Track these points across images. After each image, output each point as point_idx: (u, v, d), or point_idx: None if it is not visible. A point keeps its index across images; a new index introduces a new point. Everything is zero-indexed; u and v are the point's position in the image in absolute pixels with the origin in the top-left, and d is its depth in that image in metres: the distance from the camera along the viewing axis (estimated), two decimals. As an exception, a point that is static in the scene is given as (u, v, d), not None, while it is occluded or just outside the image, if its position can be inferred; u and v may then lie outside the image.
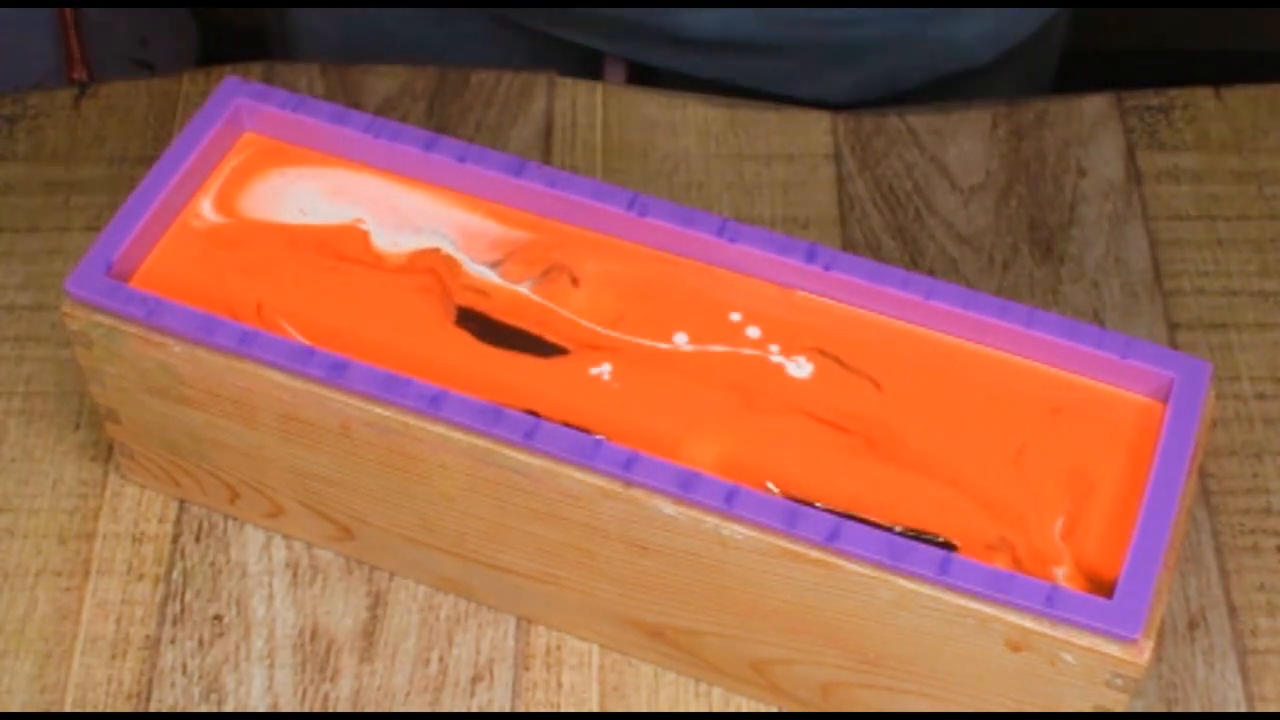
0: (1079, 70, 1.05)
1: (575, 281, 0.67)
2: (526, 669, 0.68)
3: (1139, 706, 0.68)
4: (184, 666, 0.68)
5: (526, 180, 0.67)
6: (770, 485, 0.62)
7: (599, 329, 0.65)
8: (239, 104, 0.69)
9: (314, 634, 0.69)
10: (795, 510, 0.60)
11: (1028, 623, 0.58)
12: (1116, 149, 0.84)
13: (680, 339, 0.65)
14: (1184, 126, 0.85)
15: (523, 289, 0.66)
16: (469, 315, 0.66)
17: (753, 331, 0.66)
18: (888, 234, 0.81)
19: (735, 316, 0.66)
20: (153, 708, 0.67)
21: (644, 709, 0.67)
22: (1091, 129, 0.85)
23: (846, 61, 0.89)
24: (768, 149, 0.84)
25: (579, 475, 0.61)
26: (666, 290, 0.67)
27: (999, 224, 0.81)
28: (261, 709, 0.67)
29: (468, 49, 0.92)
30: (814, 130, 0.85)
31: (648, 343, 0.65)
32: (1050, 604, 0.58)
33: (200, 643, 0.69)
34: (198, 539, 0.71)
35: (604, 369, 0.64)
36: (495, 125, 0.85)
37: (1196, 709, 0.68)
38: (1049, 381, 0.64)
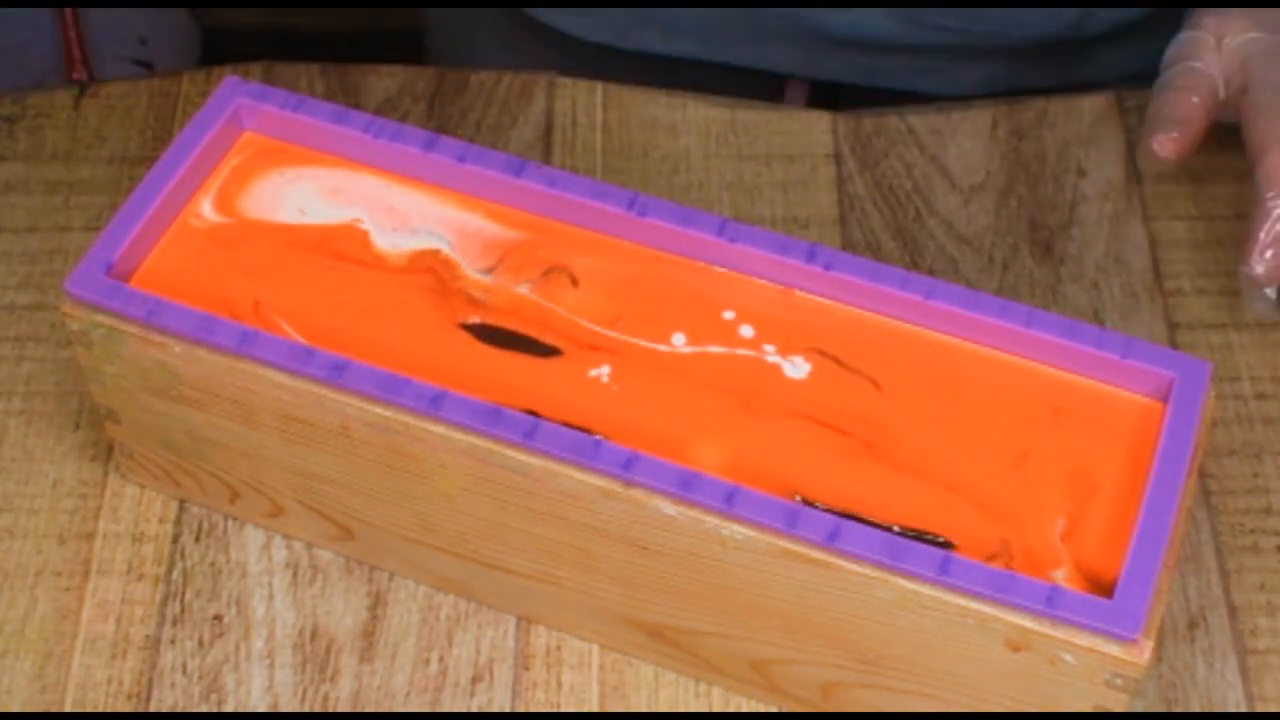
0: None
1: (575, 282, 0.67)
2: (526, 669, 0.68)
3: (1139, 706, 0.68)
4: (184, 666, 0.68)
5: (526, 180, 0.67)
6: (770, 486, 0.62)
7: (598, 329, 0.65)
8: (239, 104, 0.69)
9: (314, 634, 0.69)
10: (795, 510, 0.60)
11: (1028, 623, 0.58)
12: (1116, 149, 0.84)
13: (680, 339, 0.65)
14: (1184, 126, 0.84)
15: (522, 289, 0.66)
16: (468, 316, 0.66)
17: (752, 332, 0.66)
18: (888, 234, 0.81)
19: (735, 316, 0.66)
20: (153, 708, 0.67)
21: (644, 709, 0.67)
22: (1091, 129, 0.85)
23: (976, 58, 0.89)
24: (768, 149, 0.84)
25: (579, 475, 0.61)
26: (666, 290, 0.67)
27: (999, 224, 0.81)
28: (261, 709, 0.67)
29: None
30: (814, 130, 0.85)
31: (647, 344, 0.65)
32: (1050, 604, 0.58)
33: (200, 643, 0.69)
34: (198, 539, 0.71)
35: (603, 370, 0.64)
36: (495, 125, 0.85)
37: (1196, 709, 0.68)
38: (1049, 382, 0.64)
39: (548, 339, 0.65)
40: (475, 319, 0.66)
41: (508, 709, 0.67)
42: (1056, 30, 0.86)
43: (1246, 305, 0.74)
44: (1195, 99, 0.75)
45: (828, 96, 0.94)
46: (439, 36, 1.03)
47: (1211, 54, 0.76)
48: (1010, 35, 0.87)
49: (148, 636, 0.69)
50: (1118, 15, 0.86)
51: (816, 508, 0.61)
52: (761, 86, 0.92)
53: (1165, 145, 0.74)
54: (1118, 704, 0.60)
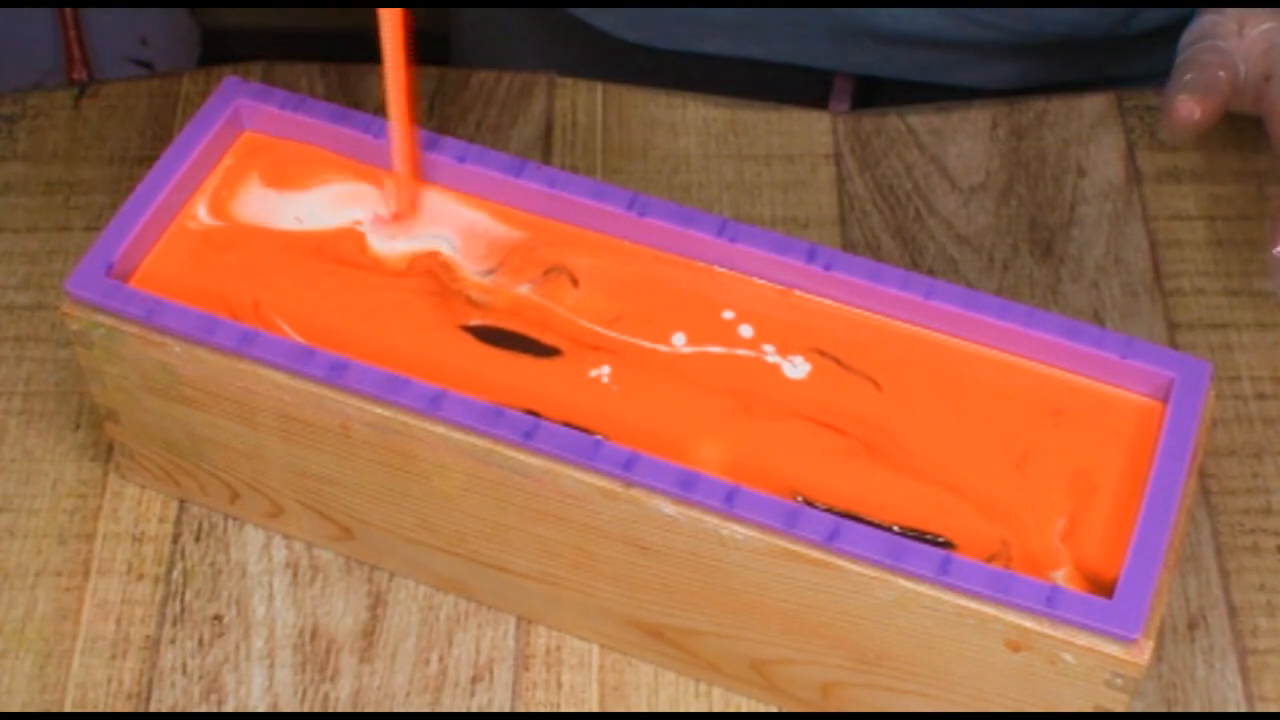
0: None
1: (575, 282, 0.67)
2: (526, 669, 0.68)
3: (1139, 706, 0.68)
4: (184, 666, 0.68)
5: (526, 180, 0.67)
6: (770, 486, 0.62)
7: (599, 330, 0.65)
8: (239, 104, 0.69)
9: (314, 634, 0.69)
10: (795, 510, 0.60)
11: (1028, 623, 0.58)
12: (1116, 149, 0.84)
13: (680, 340, 0.65)
14: (1184, 126, 0.85)
15: (522, 290, 0.66)
16: (469, 317, 0.66)
17: (752, 332, 0.66)
18: (888, 234, 0.81)
19: (735, 316, 0.66)
20: (153, 708, 0.67)
21: (644, 709, 0.67)
22: (1091, 129, 0.85)
23: (1020, 54, 0.89)
24: (768, 149, 0.84)
25: (579, 475, 0.61)
26: (666, 290, 0.67)
27: (999, 224, 0.81)
28: (261, 709, 0.67)
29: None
30: (814, 130, 0.85)
31: (648, 344, 0.65)
32: (1050, 604, 0.58)
33: (200, 643, 0.69)
34: (198, 539, 0.71)
35: (603, 370, 0.64)
36: (495, 125, 0.85)
37: (1196, 709, 0.68)
38: (1049, 382, 0.64)
39: (548, 340, 0.65)
40: (475, 320, 0.66)
41: (508, 709, 0.67)
42: (1104, 28, 0.86)
43: (1273, 290, 0.74)
44: (1222, 73, 0.75)
45: (868, 90, 0.94)
46: (466, 36, 1.03)
47: (1235, 38, 0.76)
48: (1057, 33, 0.87)
49: (148, 636, 0.69)
50: (1165, 13, 0.86)
51: (816, 508, 0.61)
52: (804, 83, 0.92)
53: (1191, 107, 0.74)
54: (1118, 704, 0.60)
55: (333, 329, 0.65)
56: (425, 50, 1.11)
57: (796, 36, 0.89)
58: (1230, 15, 0.77)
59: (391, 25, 0.65)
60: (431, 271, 0.67)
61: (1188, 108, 0.74)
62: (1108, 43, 0.89)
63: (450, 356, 0.65)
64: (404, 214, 0.68)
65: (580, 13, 0.91)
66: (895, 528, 0.61)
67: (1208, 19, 0.77)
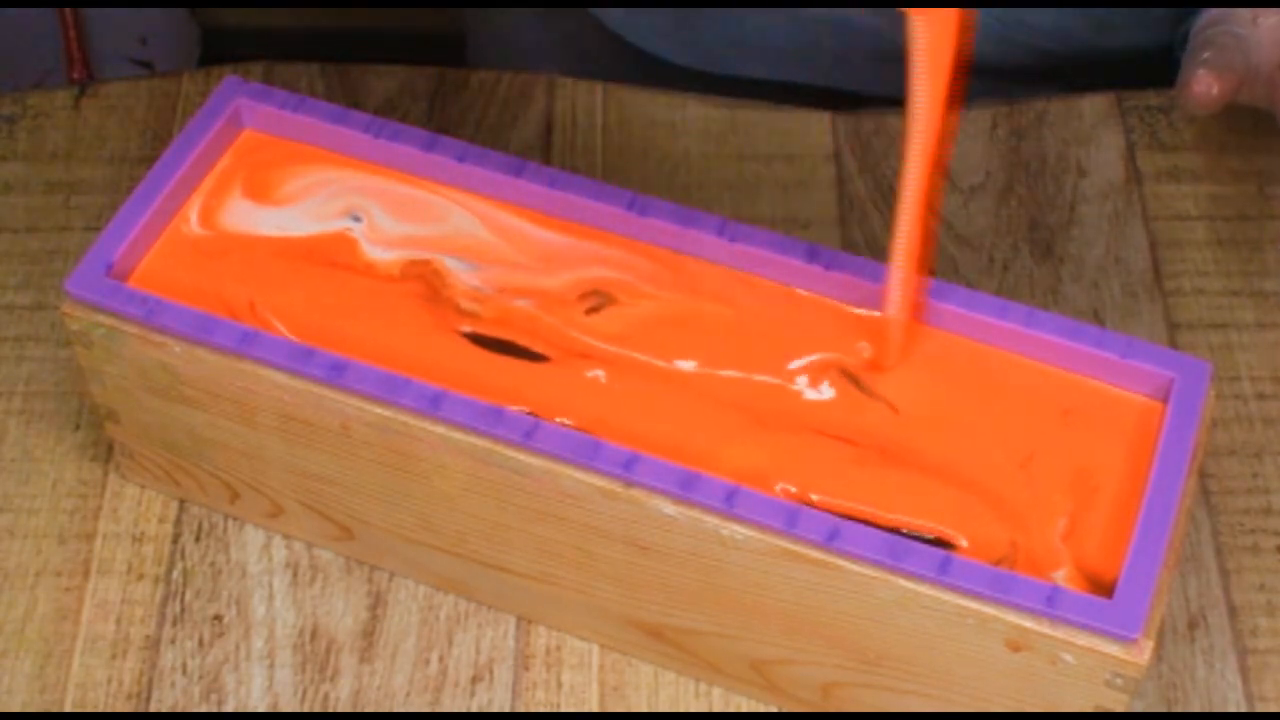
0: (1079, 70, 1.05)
1: (597, 309, 0.67)
2: (526, 669, 0.68)
3: (1139, 706, 0.68)
4: (184, 666, 0.68)
5: (526, 180, 0.67)
6: (771, 486, 0.62)
7: (588, 340, 0.65)
8: (239, 104, 0.69)
9: (314, 634, 0.69)
10: (795, 510, 0.60)
11: (1028, 623, 0.58)
12: (1116, 149, 0.84)
13: (680, 339, 0.65)
14: (1184, 126, 0.85)
15: (520, 303, 0.66)
16: (464, 320, 0.66)
17: (753, 331, 0.66)
18: (887, 234, 0.81)
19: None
20: (153, 708, 0.67)
21: (644, 709, 0.67)
22: (1091, 129, 0.85)
23: (1060, 75, 0.90)
24: (768, 149, 0.84)
25: (579, 475, 0.61)
26: (666, 290, 0.67)
27: (999, 224, 0.81)
28: (261, 709, 0.67)
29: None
30: (814, 130, 0.85)
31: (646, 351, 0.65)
32: (1050, 604, 0.58)
33: (200, 643, 0.69)
34: (198, 539, 0.71)
35: (601, 373, 0.64)
36: (495, 125, 0.85)
37: (1196, 709, 0.68)
38: (1050, 382, 0.64)
39: (540, 347, 0.65)
40: (471, 323, 0.66)
41: (508, 709, 0.67)
42: (1152, 45, 0.86)
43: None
44: (1239, 57, 0.75)
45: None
46: (484, 43, 1.02)
47: (1249, 27, 0.76)
48: (1101, 53, 0.87)
49: (148, 636, 0.69)
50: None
51: (817, 507, 0.61)
52: (825, 100, 0.92)
53: (1209, 82, 0.74)
54: (1118, 704, 0.60)
55: (328, 331, 0.65)
56: (433, 50, 1.12)
57: (841, 62, 0.89)
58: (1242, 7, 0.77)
59: (931, 93, 0.52)
60: (424, 277, 0.67)
61: (1206, 82, 0.74)
62: (1130, 63, 0.89)
63: (448, 360, 0.65)
64: (889, 364, 0.64)
65: (621, 29, 0.91)
66: (899, 529, 0.61)
67: (1219, 9, 0.77)
